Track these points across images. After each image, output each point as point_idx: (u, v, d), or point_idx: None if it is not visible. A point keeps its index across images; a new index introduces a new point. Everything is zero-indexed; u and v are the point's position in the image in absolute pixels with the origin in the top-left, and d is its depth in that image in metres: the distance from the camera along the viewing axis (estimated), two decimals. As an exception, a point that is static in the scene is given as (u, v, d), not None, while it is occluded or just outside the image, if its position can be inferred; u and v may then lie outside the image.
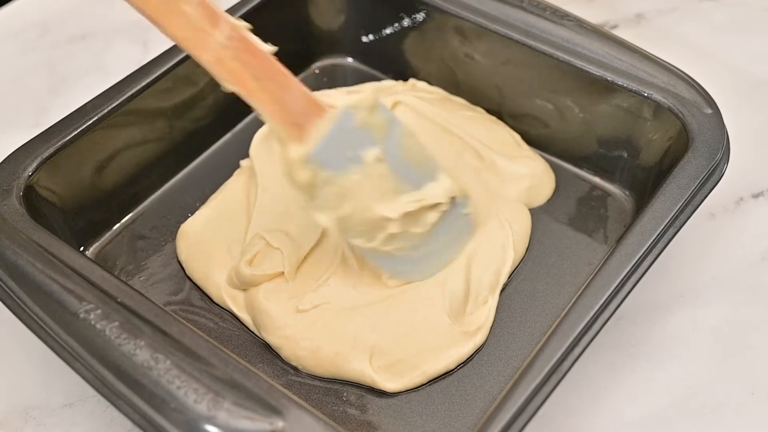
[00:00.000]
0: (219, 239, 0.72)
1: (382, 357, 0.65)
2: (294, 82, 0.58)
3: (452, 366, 0.66)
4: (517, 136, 0.80)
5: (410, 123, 0.78)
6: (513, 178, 0.76)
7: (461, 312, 0.68)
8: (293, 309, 0.67)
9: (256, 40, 0.56)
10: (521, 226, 0.73)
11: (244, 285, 0.69)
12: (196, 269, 0.71)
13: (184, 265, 0.72)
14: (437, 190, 0.66)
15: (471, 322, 0.68)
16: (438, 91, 0.83)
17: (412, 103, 0.80)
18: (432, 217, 0.66)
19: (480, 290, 0.69)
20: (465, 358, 0.66)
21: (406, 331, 0.66)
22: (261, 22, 0.79)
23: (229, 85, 0.55)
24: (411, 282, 0.69)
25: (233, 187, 0.76)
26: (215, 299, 0.70)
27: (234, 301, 0.69)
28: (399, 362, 0.65)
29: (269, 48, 0.56)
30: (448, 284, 0.68)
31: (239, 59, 0.55)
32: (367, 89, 0.79)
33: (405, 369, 0.65)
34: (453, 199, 0.67)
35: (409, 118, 0.78)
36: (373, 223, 0.63)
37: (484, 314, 0.68)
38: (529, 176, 0.77)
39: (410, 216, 0.64)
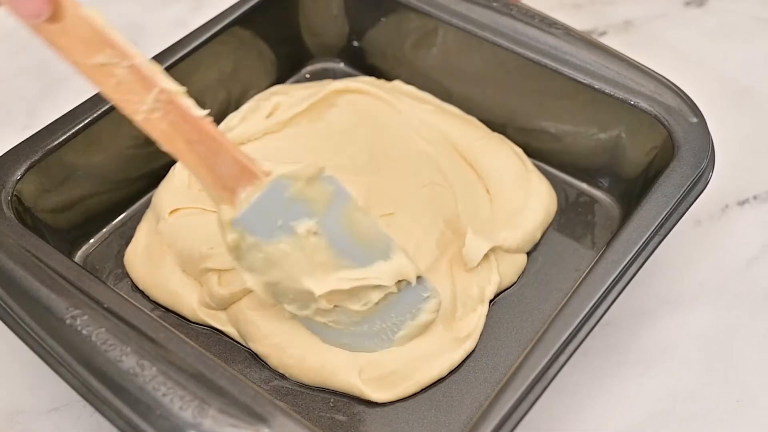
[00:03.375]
0: (168, 262, 0.71)
1: (374, 369, 0.65)
2: (226, 147, 0.57)
3: (444, 373, 0.66)
4: (521, 152, 0.79)
5: (379, 121, 0.80)
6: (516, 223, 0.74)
7: (451, 317, 0.68)
8: (279, 316, 0.66)
9: (188, 104, 0.56)
10: (512, 270, 0.73)
11: (223, 305, 0.68)
12: (160, 296, 0.70)
13: (146, 293, 0.71)
14: (382, 271, 0.63)
15: (461, 328, 0.68)
16: (428, 98, 0.84)
17: (381, 95, 0.82)
18: (374, 296, 0.63)
19: (467, 300, 0.69)
20: (456, 365, 0.66)
21: None
22: (252, 26, 0.81)
23: (163, 146, 0.56)
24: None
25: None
26: (191, 319, 0.69)
27: (215, 319, 0.69)
28: (391, 374, 0.65)
29: (201, 112, 0.56)
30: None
31: (169, 121, 0.55)
32: (325, 88, 0.81)
33: (397, 380, 0.65)
34: (403, 283, 0.64)
35: (380, 115, 0.80)
36: (301, 295, 0.61)
37: (473, 321, 0.68)
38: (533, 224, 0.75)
39: (344, 294, 0.62)
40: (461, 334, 0.67)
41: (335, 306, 0.63)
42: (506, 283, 0.72)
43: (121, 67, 0.53)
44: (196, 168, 0.56)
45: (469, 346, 0.67)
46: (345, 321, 0.64)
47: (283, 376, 0.66)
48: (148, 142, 0.75)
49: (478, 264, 0.70)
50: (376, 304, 0.64)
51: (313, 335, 0.66)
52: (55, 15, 0.51)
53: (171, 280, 0.70)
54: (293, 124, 0.80)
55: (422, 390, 0.65)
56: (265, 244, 0.59)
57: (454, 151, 0.78)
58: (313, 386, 0.66)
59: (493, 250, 0.71)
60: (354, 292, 0.62)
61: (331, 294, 0.61)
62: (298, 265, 0.60)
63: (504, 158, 0.78)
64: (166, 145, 0.56)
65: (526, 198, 0.75)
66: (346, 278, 0.62)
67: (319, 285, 0.61)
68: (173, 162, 0.76)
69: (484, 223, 0.73)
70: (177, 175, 0.74)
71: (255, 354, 0.67)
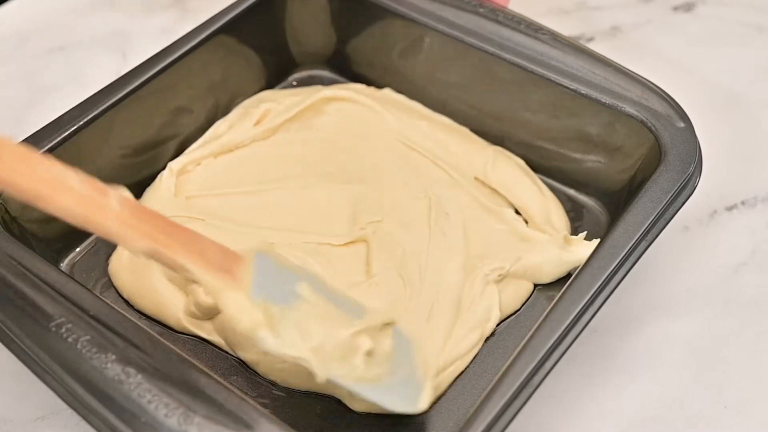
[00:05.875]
0: (154, 271, 0.70)
1: None
2: (200, 235, 0.57)
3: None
4: (524, 165, 0.79)
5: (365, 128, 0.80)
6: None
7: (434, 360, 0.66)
8: None
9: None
10: (514, 299, 0.71)
11: (209, 315, 0.68)
12: (145, 306, 0.70)
13: (130, 302, 0.71)
14: (378, 313, 0.61)
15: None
16: (419, 108, 0.84)
17: (370, 106, 0.82)
18: (386, 340, 0.61)
19: (456, 344, 0.67)
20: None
21: None
22: (238, 34, 0.81)
23: (142, 244, 0.53)
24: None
25: None
26: (177, 329, 0.69)
27: (200, 328, 0.68)
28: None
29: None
30: (432, 321, 0.67)
31: (140, 219, 0.54)
32: (314, 96, 0.81)
33: None
34: (392, 322, 0.62)
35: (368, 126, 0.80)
36: (345, 345, 0.57)
37: (448, 372, 0.66)
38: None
39: (371, 334, 0.59)
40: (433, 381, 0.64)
41: (370, 355, 0.59)
42: (506, 313, 0.70)
43: (73, 179, 0.52)
44: (189, 256, 0.54)
45: (441, 389, 0.65)
46: (381, 372, 0.59)
47: (270, 384, 0.66)
48: (137, 151, 0.76)
49: (478, 301, 0.69)
50: (392, 346, 0.61)
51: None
52: None
53: (156, 290, 0.69)
54: (282, 131, 0.80)
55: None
56: (288, 309, 0.56)
57: (448, 165, 0.78)
58: (302, 392, 0.66)
59: (496, 278, 0.70)
60: (373, 335, 0.59)
61: (365, 332, 0.58)
62: (324, 323, 0.57)
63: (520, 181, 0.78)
64: (150, 240, 0.53)
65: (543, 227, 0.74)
66: (360, 321, 0.59)
67: (351, 326, 0.58)
68: (161, 170, 0.76)
69: (484, 242, 0.73)
70: (164, 183, 0.74)
71: (241, 362, 0.67)
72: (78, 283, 0.60)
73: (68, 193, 0.51)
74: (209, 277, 0.54)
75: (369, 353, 0.58)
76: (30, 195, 0.50)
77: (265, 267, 0.57)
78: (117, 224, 0.52)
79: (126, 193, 0.54)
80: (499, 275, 0.70)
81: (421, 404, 0.59)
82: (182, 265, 0.54)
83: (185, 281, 0.68)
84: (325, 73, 0.90)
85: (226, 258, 0.56)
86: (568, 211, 0.77)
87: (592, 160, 0.76)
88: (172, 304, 0.69)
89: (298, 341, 0.55)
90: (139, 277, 0.70)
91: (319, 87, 0.85)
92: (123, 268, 0.71)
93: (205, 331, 0.68)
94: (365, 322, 0.59)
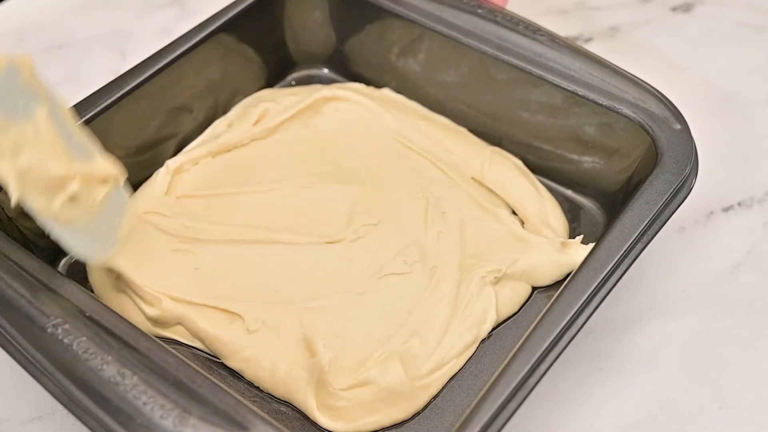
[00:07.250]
0: (112, 286, 0.69)
1: (329, 396, 0.63)
2: None
3: (408, 417, 0.64)
4: (521, 165, 0.79)
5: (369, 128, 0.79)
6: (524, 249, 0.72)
7: (422, 362, 0.65)
8: (244, 330, 0.66)
9: None
10: (512, 301, 0.71)
11: (167, 324, 0.67)
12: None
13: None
14: (105, 165, 0.63)
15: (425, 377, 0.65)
16: (417, 108, 0.84)
17: (372, 108, 0.81)
18: (102, 191, 0.62)
19: (450, 348, 0.66)
20: (419, 409, 0.65)
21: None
22: (236, 33, 0.81)
23: None
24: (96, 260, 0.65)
25: None
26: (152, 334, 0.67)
27: (175, 333, 0.68)
28: (345, 408, 0.63)
29: None
30: (423, 330, 0.67)
31: None
32: (313, 95, 0.81)
33: (356, 414, 0.63)
34: (116, 180, 0.64)
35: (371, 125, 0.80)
36: (52, 180, 0.58)
37: (439, 375, 0.65)
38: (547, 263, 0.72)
39: (85, 181, 0.60)
40: (428, 380, 0.65)
41: (73, 200, 0.60)
42: (504, 316, 0.70)
43: None
44: None
45: (433, 390, 0.65)
46: (78, 217, 0.61)
47: (259, 389, 0.66)
48: (136, 151, 0.76)
49: (474, 302, 0.68)
50: (104, 198, 0.62)
51: (282, 347, 0.65)
52: None
53: (119, 304, 0.68)
54: (280, 131, 0.80)
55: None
56: (10, 125, 0.55)
57: (446, 165, 0.78)
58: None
59: (493, 280, 0.70)
60: (89, 182, 0.61)
61: (80, 176, 0.59)
62: (42, 152, 0.57)
63: (517, 181, 0.78)
64: None
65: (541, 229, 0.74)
66: (82, 165, 0.60)
67: (66, 167, 0.59)
68: (157, 169, 0.76)
69: (484, 242, 0.73)
70: (158, 180, 0.74)
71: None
72: (75, 284, 0.60)
73: None
74: None
75: (73, 198, 0.59)
76: None
77: (9, 78, 0.56)
78: None
79: None
80: (496, 277, 0.69)
81: (99, 255, 0.64)
82: None
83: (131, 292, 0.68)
84: (324, 73, 0.90)
85: None
86: (565, 212, 0.77)
87: (589, 161, 0.76)
88: (134, 314, 0.68)
89: (6, 156, 0.55)
90: (106, 293, 0.70)
91: (317, 86, 0.85)
92: (95, 272, 0.71)
93: (183, 336, 0.68)
94: (86, 168, 0.60)
